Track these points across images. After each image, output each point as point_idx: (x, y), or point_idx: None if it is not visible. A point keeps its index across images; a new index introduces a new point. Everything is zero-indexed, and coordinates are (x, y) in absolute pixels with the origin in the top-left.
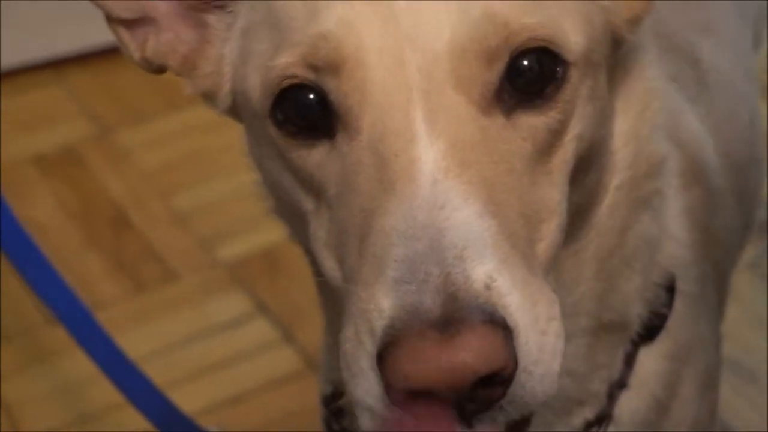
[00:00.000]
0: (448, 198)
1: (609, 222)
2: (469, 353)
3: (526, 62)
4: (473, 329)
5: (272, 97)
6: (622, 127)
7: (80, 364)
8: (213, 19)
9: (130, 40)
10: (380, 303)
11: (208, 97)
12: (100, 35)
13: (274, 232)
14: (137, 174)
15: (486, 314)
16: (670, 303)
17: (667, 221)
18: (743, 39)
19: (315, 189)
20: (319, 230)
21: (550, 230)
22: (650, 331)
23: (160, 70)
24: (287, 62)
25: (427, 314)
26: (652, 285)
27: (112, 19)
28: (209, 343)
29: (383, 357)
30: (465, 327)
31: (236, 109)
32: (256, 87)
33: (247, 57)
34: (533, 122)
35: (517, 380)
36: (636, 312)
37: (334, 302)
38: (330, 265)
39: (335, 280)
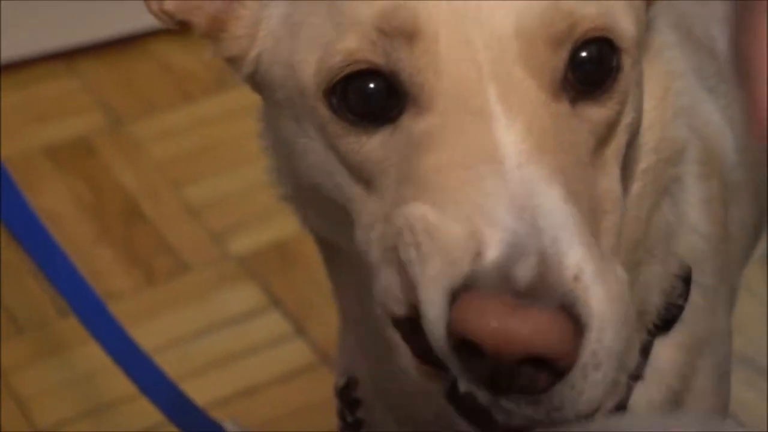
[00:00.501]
0: (534, 182)
1: (636, 211)
2: (535, 329)
3: (585, 53)
4: (549, 311)
5: (331, 80)
6: (646, 108)
7: (92, 356)
8: None
9: None
10: (486, 241)
11: (232, 61)
12: (113, 26)
13: (286, 225)
14: (150, 166)
15: (567, 303)
16: (686, 294)
17: (686, 210)
18: None
19: (366, 174)
20: (367, 216)
21: (612, 223)
22: (666, 322)
23: (182, 25)
24: (356, 47)
25: (515, 282)
26: (670, 275)
27: None
28: (221, 335)
29: (457, 297)
30: (542, 305)
31: (257, 77)
32: (309, 64)
33: (297, 29)
34: (594, 114)
35: (569, 379)
36: (654, 302)
37: (351, 290)
38: (380, 246)
39: (388, 237)
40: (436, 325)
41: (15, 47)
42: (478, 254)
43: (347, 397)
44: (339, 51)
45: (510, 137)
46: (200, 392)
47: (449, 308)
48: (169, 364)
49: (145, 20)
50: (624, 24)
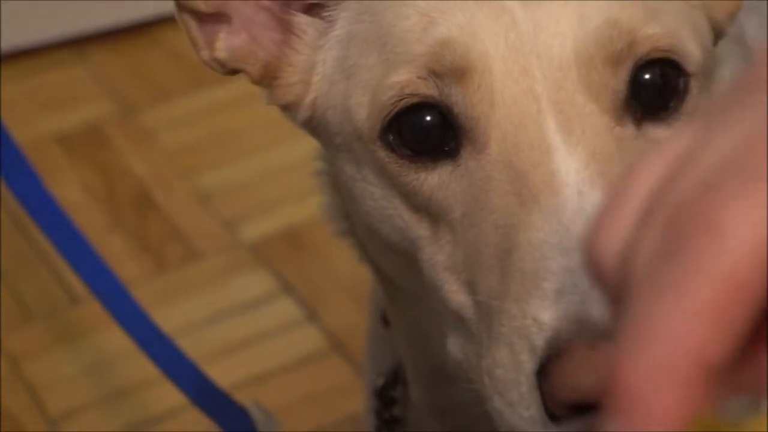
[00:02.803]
0: (596, 209)
1: None
2: None
3: (648, 75)
4: None
5: (384, 118)
6: None
7: (105, 344)
8: (302, 23)
9: (199, 36)
10: (540, 316)
11: (288, 109)
12: (124, 13)
13: (298, 212)
14: (161, 154)
15: None
16: None
17: None
18: None
19: (432, 212)
20: (438, 255)
21: None
22: None
23: (233, 72)
24: (407, 79)
25: (595, 325)
26: None
27: (184, 9)
28: (232, 322)
29: (546, 372)
30: None
31: (314, 122)
32: (363, 106)
33: (351, 71)
34: (662, 135)
35: None
36: None
37: (409, 322)
38: (453, 289)
39: (460, 303)
40: (526, 408)
41: (25, 35)
42: (541, 324)
43: (385, 396)
44: (390, 86)
45: (571, 165)
46: (213, 378)
47: (539, 388)
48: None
49: (156, 7)
50: (691, 48)
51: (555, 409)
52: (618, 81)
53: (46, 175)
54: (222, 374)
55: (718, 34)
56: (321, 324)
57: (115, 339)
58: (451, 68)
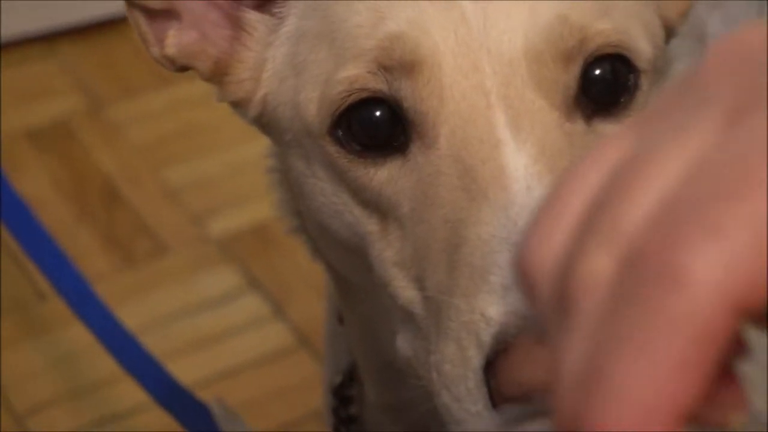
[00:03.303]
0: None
1: None
2: None
3: (599, 71)
4: None
5: (334, 113)
6: None
7: (72, 340)
8: (253, 20)
9: (149, 32)
10: (487, 311)
11: (238, 105)
12: (94, 8)
13: (266, 208)
14: (129, 148)
15: None
16: None
17: None
18: (747, 15)
19: (381, 208)
20: (387, 250)
21: None
22: None
23: (183, 69)
24: (356, 74)
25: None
26: None
27: (134, 5)
28: (200, 317)
29: (493, 366)
30: None
31: (264, 119)
32: (313, 101)
33: (301, 67)
34: (611, 130)
35: None
36: None
37: (362, 320)
38: (402, 285)
39: (408, 298)
40: (473, 403)
41: None
42: (489, 319)
43: (342, 394)
44: (339, 81)
45: (520, 161)
46: (180, 374)
47: (486, 381)
48: (149, 345)
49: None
50: (642, 44)
51: (501, 404)
52: (569, 77)
53: (15, 169)
54: (189, 370)
55: (670, 32)
56: (288, 319)
57: (83, 335)
58: (400, 62)
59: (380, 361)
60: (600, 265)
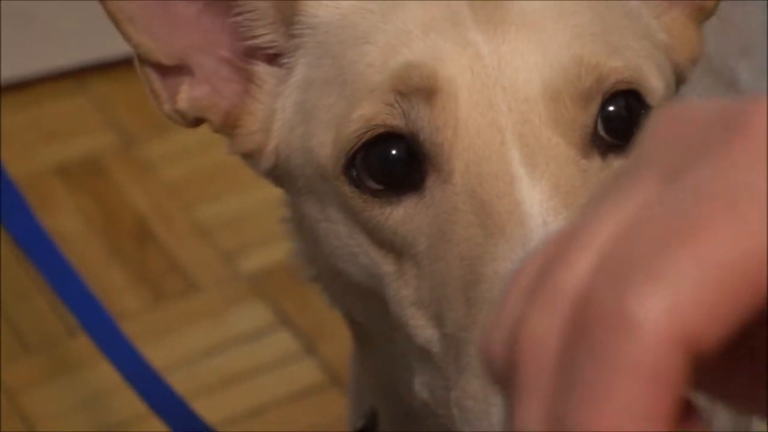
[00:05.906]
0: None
1: None
2: None
3: (613, 107)
4: None
5: (349, 152)
6: None
7: (101, 377)
8: (262, 73)
9: (161, 89)
10: None
11: (249, 157)
12: (124, 44)
13: None
14: (160, 186)
15: None
16: None
17: None
18: None
19: (397, 247)
20: (404, 290)
21: None
22: None
23: (194, 123)
24: (373, 111)
25: None
26: None
27: (146, 62)
28: (230, 355)
29: None
30: None
31: (277, 170)
32: (325, 144)
33: (311, 113)
34: None
35: None
36: None
37: (367, 346)
38: (420, 324)
39: (426, 337)
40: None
41: (25, 65)
42: None
43: None
44: (354, 120)
45: (535, 196)
46: (210, 411)
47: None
48: (179, 383)
49: None
50: (654, 82)
51: None
52: (587, 116)
53: (46, 206)
54: (219, 407)
55: (680, 78)
56: (319, 357)
57: (111, 372)
58: (417, 87)
59: (398, 410)
60: (542, 325)
